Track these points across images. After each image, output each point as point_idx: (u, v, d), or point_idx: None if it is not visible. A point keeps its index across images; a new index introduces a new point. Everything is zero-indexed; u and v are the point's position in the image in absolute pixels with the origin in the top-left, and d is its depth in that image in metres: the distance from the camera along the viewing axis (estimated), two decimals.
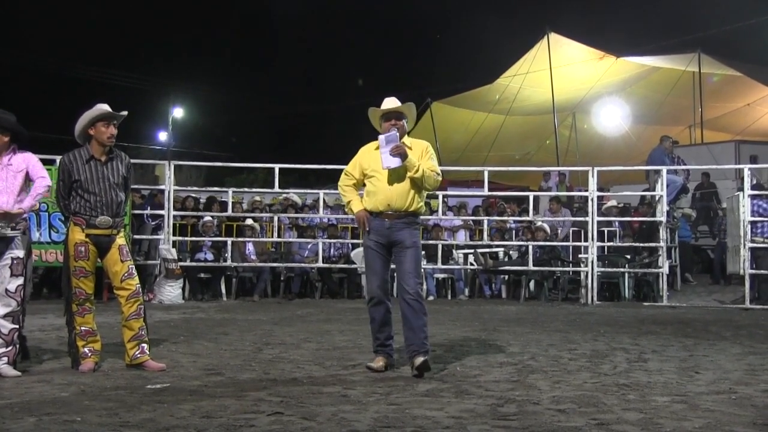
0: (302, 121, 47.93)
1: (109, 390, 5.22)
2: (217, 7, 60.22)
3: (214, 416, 4.46)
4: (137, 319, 6.06)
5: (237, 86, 55.55)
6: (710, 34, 25.25)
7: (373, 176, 6.13)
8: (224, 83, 54.77)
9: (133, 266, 6.19)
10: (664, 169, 13.23)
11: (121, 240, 6.14)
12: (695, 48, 22.61)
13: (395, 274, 6.43)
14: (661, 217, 12.91)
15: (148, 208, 13.64)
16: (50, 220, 11.69)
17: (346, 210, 6.61)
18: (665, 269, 12.69)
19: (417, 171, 6.00)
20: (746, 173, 12.47)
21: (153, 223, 13.29)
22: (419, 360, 5.79)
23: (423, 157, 6.12)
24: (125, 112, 6.18)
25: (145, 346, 6.09)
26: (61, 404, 4.75)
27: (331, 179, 27.04)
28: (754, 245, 12.06)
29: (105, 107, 6.08)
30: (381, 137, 6.05)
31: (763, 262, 12.11)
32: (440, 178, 6.24)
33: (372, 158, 6.15)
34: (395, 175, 6.04)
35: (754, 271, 11.99)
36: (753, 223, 12.12)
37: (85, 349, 5.98)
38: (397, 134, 6.02)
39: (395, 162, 5.97)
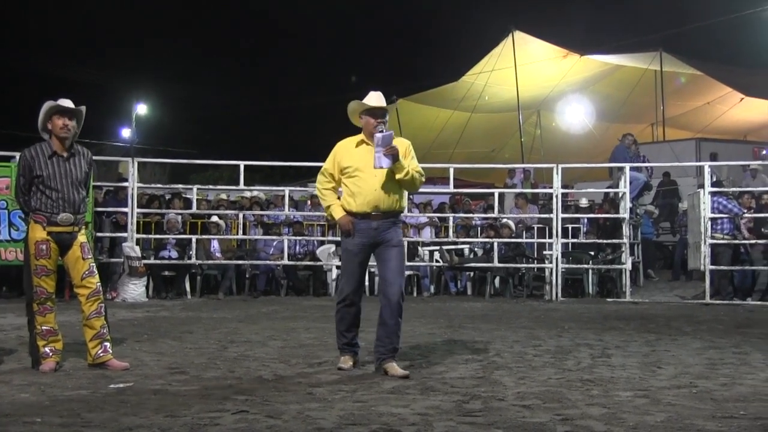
0: (267, 118, 47.72)
1: (70, 390, 5.15)
2: (180, 2, 59.68)
3: (178, 415, 4.41)
4: (98, 318, 5.98)
5: (201, 82, 55.09)
6: (671, 34, 25.64)
7: (356, 176, 5.84)
8: (188, 79, 54.31)
9: (95, 264, 6.10)
10: (627, 166, 13.39)
11: (82, 237, 6.05)
12: (657, 47, 22.92)
13: (377, 272, 6.10)
14: (624, 214, 13.06)
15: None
16: (10, 218, 11.49)
17: (326, 215, 6.13)
18: (628, 266, 12.85)
19: (407, 173, 5.82)
20: (706, 170, 12.67)
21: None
22: (391, 367, 5.71)
23: (407, 156, 5.89)
24: (82, 107, 6.09)
25: (108, 344, 6.01)
26: (21, 405, 4.67)
27: (296, 176, 27.02)
28: (714, 241, 12.24)
29: (62, 101, 6.00)
30: (378, 136, 5.75)
31: (723, 258, 12.31)
32: (424, 179, 6.04)
33: (353, 156, 5.88)
34: (381, 175, 5.79)
35: (714, 267, 12.17)
36: (713, 220, 12.31)
37: (46, 349, 5.88)
38: (393, 134, 5.77)
39: (387, 162, 5.73)
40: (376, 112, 5.91)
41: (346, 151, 5.94)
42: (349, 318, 6.04)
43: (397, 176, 5.82)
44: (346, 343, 6.06)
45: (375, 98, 5.96)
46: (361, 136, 5.97)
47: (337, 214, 5.90)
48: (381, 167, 5.77)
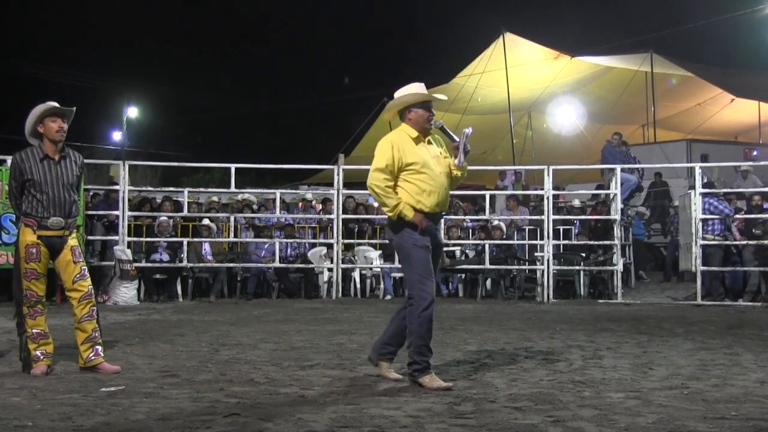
0: (259, 120, 47.67)
1: (62, 393, 5.13)
2: (171, 4, 59.58)
3: (169, 418, 4.40)
4: (90, 321, 5.96)
5: (192, 85, 55.02)
6: (662, 35, 25.77)
7: (425, 173, 5.45)
8: (179, 82, 54.21)
9: (86, 267, 6.09)
10: (618, 168, 13.42)
11: (73, 241, 6.03)
12: (648, 48, 22.99)
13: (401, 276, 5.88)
14: (615, 215, 13.09)
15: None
16: (1, 222, 11.45)
17: (389, 213, 5.50)
18: (620, 267, 12.88)
19: (465, 170, 5.72)
20: (697, 172, 12.71)
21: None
22: (387, 369, 5.63)
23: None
24: (73, 108, 6.07)
25: (99, 348, 5.99)
26: (12, 409, 4.66)
27: (287, 179, 27.00)
28: (705, 242, 12.28)
29: (51, 103, 5.98)
30: (466, 131, 5.60)
31: (713, 259, 12.35)
32: None
33: (415, 152, 5.49)
34: (444, 173, 5.56)
35: (705, 268, 12.21)
36: (704, 221, 12.35)
37: (37, 352, 5.86)
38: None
39: (463, 160, 5.62)
40: (429, 104, 5.64)
41: (407, 147, 5.49)
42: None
43: (460, 173, 5.67)
44: (429, 358, 5.47)
45: (417, 89, 5.65)
46: (411, 131, 5.58)
47: (410, 212, 5.40)
48: (461, 165, 5.64)
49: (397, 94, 5.69)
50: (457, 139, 5.67)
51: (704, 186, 12.79)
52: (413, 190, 5.46)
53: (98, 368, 5.90)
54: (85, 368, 5.92)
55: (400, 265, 13.61)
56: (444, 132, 5.79)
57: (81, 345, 5.95)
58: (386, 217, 5.65)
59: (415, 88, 5.66)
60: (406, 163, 5.44)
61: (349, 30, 61.41)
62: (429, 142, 5.63)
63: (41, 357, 5.87)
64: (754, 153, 20.71)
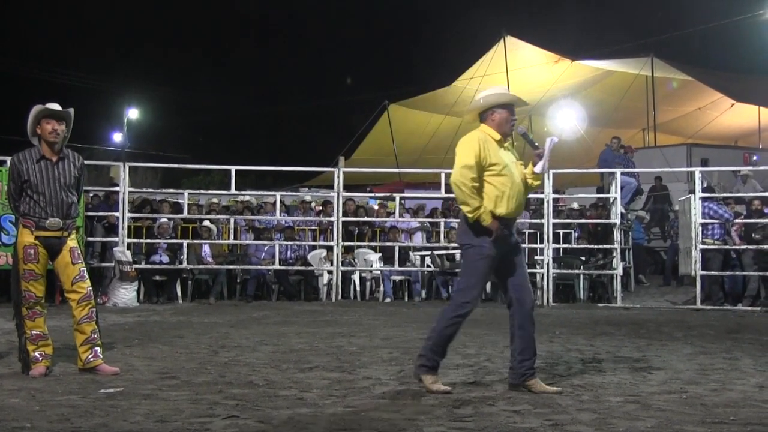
0: (259, 122, 47.71)
1: (60, 395, 5.13)
2: (172, 5, 59.62)
3: (168, 420, 4.40)
4: (89, 323, 5.96)
5: (193, 87, 55.08)
6: (663, 39, 25.78)
7: (505, 175, 5.34)
8: (180, 84, 54.28)
9: (85, 269, 6.08)
10: (618, 171, 13.42)
11: (72, 242, 6.03)
12: (648, 52, 23.01)
13: (507, 283, 5.44)
14: (615, 219, 13.09)
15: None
16: (0, 223, 11.45)
17: (469, 215, 5.30)
18: (619, 271, 12.88)
19: (541, 179, 5.67)
20: (697, 176, 12.70)
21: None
22: (537, 383, 5.33)
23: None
24: (71, 110, 6.07)
25: (98, 349, 5.99)
26: (11, 410, 4.65)
27: (288, 180, 27.00)
28: (705, 247, 12.28)
29: (50, 105, 5.99)
30: (554, 139, 5.53)
31: (713, 264, 12.35)
32: None
33: (497, 153, 5.36)
34: (520, 178, 5.47)
35: (705, 273, 12.20)
36: (704, 225, 12.35)
37: (36, 354, 5.86)
38: None
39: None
40: (513, 108, 5.53)
41: (490, 147, 5.35)
42: (458, 330, 5.48)
43: (536, 182, 5.59)
44: (442, 357, 5.47)
45: (500, 89, 5.64)
46: (493, 132, 5.44)
47: (489, 218, 5.26)
48: (543, 172, 5.56)
49: (481, 94, 5.61)
50: (540, 147, 5.56)
51: (704, 190, 12.79)
52: (492, 192, 5.32)
53: (97, 370, 5.90)
54: (84, 370, 5.92)
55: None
56: (525, 138, 5.71)
57: (80, 346, 5.95)
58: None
59: (501, 90, 5.64)
60: (490, 163, 5.32)
61: (350, 33, 61.49)
62: (506, 147, 5.54)
63: (40, 358, 5.87)
64: (754, 158, 20.71)
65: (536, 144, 5.61)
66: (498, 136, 5.44)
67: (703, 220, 12.30)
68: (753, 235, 12.68)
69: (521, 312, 5.39)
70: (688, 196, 12.98)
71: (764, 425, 4.42)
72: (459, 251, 5.59)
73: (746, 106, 23.86)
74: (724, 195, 13.75)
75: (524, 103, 5.75)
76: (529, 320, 5.37)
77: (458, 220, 15.42)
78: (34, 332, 5.88)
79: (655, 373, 6.12)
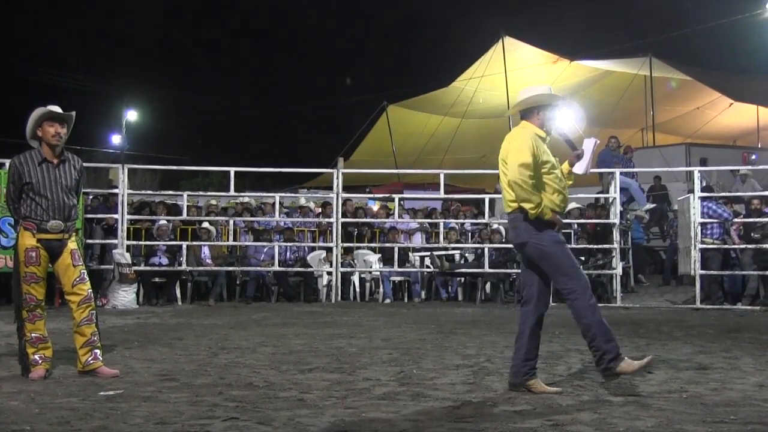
0: (258, 123, 47.72)
1: (60, 398, 5.13)
2: (170, 7, 59.63)
3: (168, 422, 4.40)
4: (89, 325, 5.96)
5: (192, 88, 55.05)
6: (661, 39, 25.80)
7: (555, 173, 5.49)
8: (179, 85, 54.27)
9: (85, 271, 6.09)
10: (617, 171, 13.42)
11: (72, 244, 6.03)
12: (646, 52, 23.02)
13: (533, 280, 5.66)
14: (614, 219, 13.09)
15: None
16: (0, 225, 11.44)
17: (531, 211, 5.36)
18: (619, 271, 12.88)
19: (572, 179, 5.74)
20: (696, 176, 12.70)
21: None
22: (538, 383, 5.38)
23: None
24: (73, 113, 6.07)
25: (98, 351, 5.99)
26: (10, 413, 4.65)
27: (287, 182, 27.02)
28: (704, 246, 12.28)
29: (51, 107, 5.98)
30: (595, 140, 5.69)
31: (712, 263, 12.35)
32: None
33: (546, 152, 5.51)
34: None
35: (704, 272, 12.20)
36: (703, 225, 12.34)
37: (36, 356, 5.86)
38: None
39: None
40: (556, 108, 5.72)
41: (540, 145, 5.49)
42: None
43: (570, 182, 5.70)
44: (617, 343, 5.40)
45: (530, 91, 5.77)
46: (539, 131, 5.58)
47: (550, 212, 5.38)
48: (586, 173, 5.71)
49: (528, 92, 5.73)
50: (578, 149, 5.68)
51: (703, 190, 12.79)
52: (547, 188, 5.43)
53: (97, 372, 5.90)
54: (84, 372, 5.92)
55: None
56: (565, 139, 5.81)
57: (80, 349, 5.95)
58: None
59: (546, 89, 5.74)
60: (542, 160, 5.43)
61: (349, 33, 61.52)
62: (548, 145, 5.63)
63: (40, 361, 5.87)
64: (753, 157, 20.71)
65: (575, 145, 5.71)
66: (544, 134, 5.57)
67: (702, 220, 12.30)
68: (752, 234, 12.68)
69: (538, 312, 5.56)
70: (687, 195, 12.98)
71: (764, 424, 4.42)
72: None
73: (745, 106, 23.87)
74: (723, 194, 13.75)
75: (566, 104, 5.81)
76: (541, 321, 5.55)
77: (459, 221, 15.38)
78: (34, 335, 5.88)
79: (655, 372, 6.12)
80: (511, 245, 13.85)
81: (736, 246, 12.60)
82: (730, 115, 25.05)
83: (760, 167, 16.16)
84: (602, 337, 5.33)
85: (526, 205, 5.36)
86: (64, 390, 5.39)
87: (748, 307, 12.00)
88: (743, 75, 26.75)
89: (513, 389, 5.36)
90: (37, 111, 5.97)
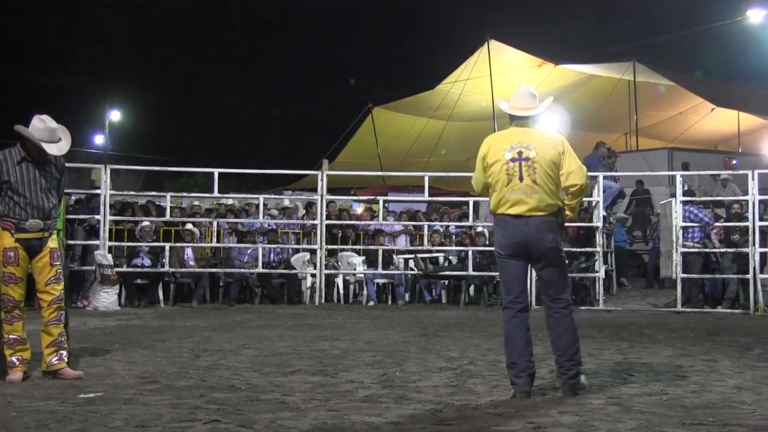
0: (242, 125, 47.59)
1: (38, 400, 5.08)
2: (153, 7, 59.35)
3: (149, 425, 4.38)
4: (57, 325, 5.91)
5: (176, 89, 54.78)
6: (645, 44, 25.92)
7: None
8: (163, 85, 53.96)
9: (62, 271, 6.05)
10: (600, 175, 13.48)
11: (53, 243, 5.98)
12: (630, 57, 23.14)
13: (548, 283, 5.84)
14: (597, 222, 13.14)
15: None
16: None
17: (573, 215, 5.76)
18: (601, 274, 12.93)
19: None
20: (678, 180, 12.78)
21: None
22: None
23: None
24: (69, 139, 6.04)
25: (64, 353, 5.93)
26: None
27: (271, 183, 26.95)
28: (685, 250, 12.36)
29: (51, 124, 5.95)
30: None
31: (693, 267, 12.43)
32: None
33: None
34: None
35: (685, 276, 12.28)
36: (684, 229, 12.42)
37: (13, 358, 5.80)
38: None
39: None
40: None
41: None
42: None
43: None
44: None
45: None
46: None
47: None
48: None
49: (525, 94, 6.09)
50: None
51: (685, 194, 12.87)
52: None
53: (60, 374, 5.84)
54: (48, 372, 5.86)
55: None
56: None
57: (45, 348, 5.89)
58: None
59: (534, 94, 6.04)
60: None
61: (334, 37, 61.50)
62: None
63: (17, 363, 5.81)
64: (734, 162, 20.84)
65: None
66: None
67: (684, 224, 12.38)
68: (731, 237, 12.77)
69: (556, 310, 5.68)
70: (669, 199, 13.06)
71: (742, 426, 4.45)
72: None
73: (726, 111, 24.04)
74: (704, 199, 13.84)
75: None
76: (574, 325, 5.69)
77: (444, 223, 15.34)
78: (11, 336, 5.83)
79: (636, 375, 6.15)
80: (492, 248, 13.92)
81: (716, 250, 12.69)
82: (712, 120, 25.23)
83: (741, 172, 16.24)
84: (580, 351, 5.49)
85: (577, 209, 5.59)
86: (42, 393, 5.34)
87: (728, 311, 12.09)
88: (725, 80, 26.95)
89: (526, 397, 5.23)
90: (40, 131, 5.89)
